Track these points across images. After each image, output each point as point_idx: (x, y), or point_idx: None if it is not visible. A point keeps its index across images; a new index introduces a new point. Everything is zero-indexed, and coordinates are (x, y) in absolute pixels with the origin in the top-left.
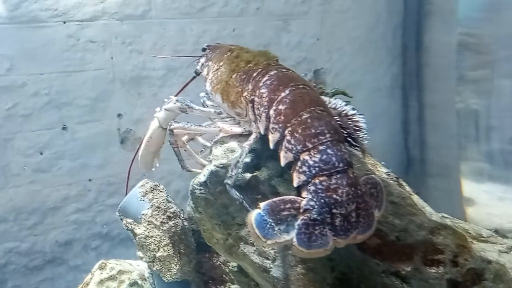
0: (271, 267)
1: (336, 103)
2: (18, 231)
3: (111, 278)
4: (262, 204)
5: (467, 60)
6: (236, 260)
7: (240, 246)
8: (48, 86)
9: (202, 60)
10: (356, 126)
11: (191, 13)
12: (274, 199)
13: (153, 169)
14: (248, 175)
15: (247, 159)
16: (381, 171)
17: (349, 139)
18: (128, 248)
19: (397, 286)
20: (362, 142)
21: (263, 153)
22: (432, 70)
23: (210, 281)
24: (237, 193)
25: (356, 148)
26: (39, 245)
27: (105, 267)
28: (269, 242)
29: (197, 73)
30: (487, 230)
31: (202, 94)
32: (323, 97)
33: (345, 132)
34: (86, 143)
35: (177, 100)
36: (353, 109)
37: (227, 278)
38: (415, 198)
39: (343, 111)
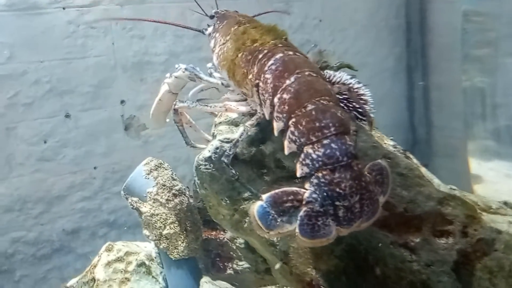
0: (278, 241)
1: (342, 76)
2: (24, 220)
3: (119, 259)
4: (264, 196)
5: (471, 39)
6: (243, 235)
7: (247, 221)
8: (49, 74)
9: (210, 29)
10: (362, 99)
11: None
12: (277, 191)
13: (165, 123)
14: (253, 149)
15: (252, 133)
16: (388, 143)
17: (356, 112)
18: (135, 235)
19: (406, 257)
20: (369, 115)
21: (268, 127)
22: (437, 49)
23: (217, 259)
24: (233, 171)
25: (363, 121)
26: (46, 234)
27: (112, 249)
28: (272, 232)
29: (203, 33)
30: (497, 202)
31: (210, 65)
32: (328, 71)
33: (351, 105)
34: (90, 130)
35: (186, 69)
36: (359, 82)
37: (234, 255)
38: (423, 170)
39: (349, 84)
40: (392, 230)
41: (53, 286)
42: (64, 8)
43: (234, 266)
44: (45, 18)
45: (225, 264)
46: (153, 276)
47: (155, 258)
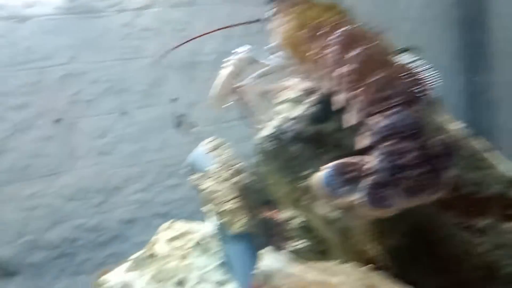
0: (339, 218)
1: (406, 59)
2: (86, 209)
3: (178, 237)
4: (329, 164)
5: None
6: (302, 213)
7: (306, 199)
8: (107, 73)
9: (269, 12)
10: (427, 81)
11: None
12: (342, 160)
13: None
14: (314, 127)
15: (314, 111)
16: (455, 126)
17: (421, 95)
18: None
19: (471, 239)
20: (435, 97)
21: (330, 104)
22: (500, 44)
23: (274, 237)
24: (294, 149)
25: (429, 104)
26: (105, 223)
27: (172, 227)
28: (336, 201)
29: (261, 20)
30: None
31: (269, 47)
32: (392, 56)
33: (417, 88)
34: (144, 127)
35: (244, 52)
36: (424, 64)
37: (290, 235)
38: (492, 153)
39: (414, 66)
40: (458, 212)
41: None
42: (119, 12)
43: (290, 246)
44: (102, 21)
45: (281, 244)
46: (211, 253)
47: (214, 235)
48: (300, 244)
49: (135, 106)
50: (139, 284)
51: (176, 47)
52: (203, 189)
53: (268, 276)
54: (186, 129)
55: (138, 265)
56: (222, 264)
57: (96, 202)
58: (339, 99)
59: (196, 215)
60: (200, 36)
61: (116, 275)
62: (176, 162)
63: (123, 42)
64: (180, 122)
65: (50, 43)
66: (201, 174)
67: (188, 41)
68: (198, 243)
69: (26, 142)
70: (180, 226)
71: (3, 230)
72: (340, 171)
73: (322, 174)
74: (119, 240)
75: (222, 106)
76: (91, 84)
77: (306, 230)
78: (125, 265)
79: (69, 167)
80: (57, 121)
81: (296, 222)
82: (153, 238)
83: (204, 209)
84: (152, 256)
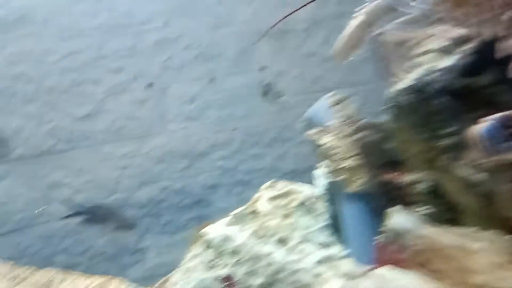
0: (483, 181)
1: None
2: (172, 172)
3: (281, 196)
4: (493, 116)
5: None
6: (436, 175)
7: (443, 159)
8: (198, 40)
9: None
10: None
11: None
12: (507, 112)
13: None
14: (463, 80)
15: (466, 61)
16: None
17: None
18: None
19: None
20: None
21: (487, 55)
22: None
23: (394, 201)
24: (438, 103)
25: None
26: (189, 187)
27: (275, 186)
28: (493, 158)
29: None
30: None
31: None
32: None
33: None
34: (231, 94)
35: (380, 0)
36: None
37: (414, 199)
38: None
39: None
40: None
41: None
42: None
43: (413, 211)
44: None
45: (402, 207)
46: (316, 214)
47: (321, 196)
48: (424, 210)
49: (224, 73)
50: (240, 238)
51: (285, 16)
52: (321, 145)
53: (398, 235)
54: (273, 98)
55: (238, 220)
56: (328, 226)
57: (182, 166)
58: (507, 46)
59: None
60: (307, 4)
61: (217, 228)
62: (261, 131)
63: (215, 9)
64: (267, 91)
65: (147, 8)
66: (320, 128)
67: (297, 9)
68: (302, 203)
69: (121, 104)
70: (282, 185)
71: (99, 186)
72: (505, 124)
73: (483, 126)
74: (202, 205)
75: (346, 59)
76: (183, 50)
77: (434, 195)
78: (225, 220)
79: (158, 130)
80: (149, 85)
81: (422, 186)
82: (255, 196)
83: (319, 166)
84: (253, 212)
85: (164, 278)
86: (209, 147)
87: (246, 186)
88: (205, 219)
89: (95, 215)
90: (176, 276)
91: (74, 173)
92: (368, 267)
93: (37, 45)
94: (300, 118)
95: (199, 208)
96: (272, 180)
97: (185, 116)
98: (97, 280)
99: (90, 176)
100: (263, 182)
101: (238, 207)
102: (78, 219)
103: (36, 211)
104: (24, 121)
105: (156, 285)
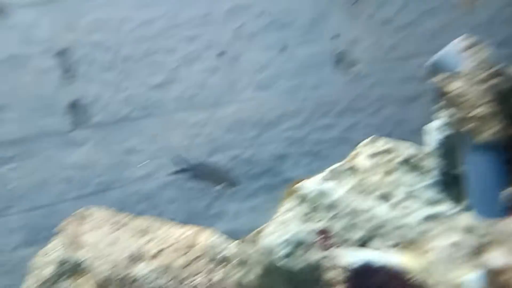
0: None
1: None
2: (241, 141)
3: (382, 152)
4: None
5: None
6: None
7: None
8: (271, 7)
9: None
10: None
11: None
12: None
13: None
14: None
15: None
16: None
17: None
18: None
19: None
20: None
21: None
22: None
23: None
24: None
25: None
26: (258, 156)
27: (374, 144)
28: None
29: None
30: None
31: None
32: None
33: None
34: (303, 63)
35: None
36: None
37: None
38: None
39: None
40: None
41: (261, 203)
42: None
43: None
44: None
45: None
46: (422, 171)
47: (432, 152)
48: None
49: (296, 42)
50: (337, 193)
51: None
52: (449, 91)
53: None
54: (345, 68)
55: (335, 176)
56: (437, 183)
57: (251, 135)
58: None
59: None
60: None
61: (312, 183)
62: (332, 101)
63: None
64: (340, 59)
65: None
66: (448, 74)
67: None
68: (406, 160)
69: (193, 73)
70: (382, 143)
71: (169, 153)
72: None
73: None
74: (270, 174)
75: (471, 9)
76: (256, 17)
77: None
78: (320, 176)
79: (229, 99)
80: (221, 54)
81: None
82: (353, 152)
83: (443, 114)
84: (352, 168)
85: (257, 230)
86: (279, 116)
87: (315, 157)
88: (273, 189)
89: (197, 172)
90: (270, 228)
91: (147, 140)
92: (496, 219)
93: (114, 14)
94: (373, 88)
95: (267, 178)
96: (371, 137)
97: (256, 85)
98: (190, 229)
99: (162, 143)
100: (332, 153)
101: (306, 178)
102: (165, 177)
103: (138, 165)
104: (102, 88)
105: (250, 235)
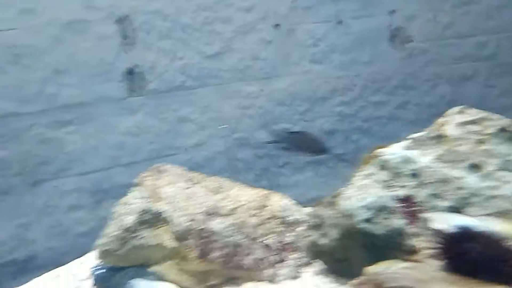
0: None
1: None
2: (292, 114)
3: (473, 122)
4: None
5: None
6: None
7: None
8: None
9: None
10: None
11: None
12: None
13: None
14: None
15: None
16: None
17: None
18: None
19: None
20: None
21: None
22: None
23: None
24: None
25: None
26: (308, 130)
27: (464, 112)
28: None
29: None
30: None
31: None
32: None
33: None
34: (357, 38)
35: None
36: None
37: None
38: None
39: None
40: None
41: (309, 177)
42: None
43: None
44: None
45: None
46: None
47: None
48: None
49: (352, 16)
50: (422, 160)
51: None
52: None
53: None
54: (400, 44)
55: (418, 144)
56: None
57: (302, 109)
58: None
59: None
60: None
61: (393, 150)
62: (384, 78)
63: None
64: (395, 35)
65: None
66: None
67: None
68: (501, 130)
69: (248, 44)
70: (474, 112)
71: (220, 124)
72: None
73: None
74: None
75: None
76: None
77: None
78: (401, 144)
79: (282, 72)
80: (276, 26)
81: None
82: (440, 120)
83: None
84: (438, 137)
85: (335, 192)
86: (330, 91)
87: (364, 133)
88: (321, 164)
89: (292, 141)
90: (349, 191)
91: (200, 110)
92: None
93: None
94: (428, 65)
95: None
96: (461, 106)
97: (309, 59)
98: (261, 192)
99: (214, 113)
100: (382, 131)
101: (354, 154)
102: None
103: (219, 127)
104: (159, 56)
105: (326, 198)
